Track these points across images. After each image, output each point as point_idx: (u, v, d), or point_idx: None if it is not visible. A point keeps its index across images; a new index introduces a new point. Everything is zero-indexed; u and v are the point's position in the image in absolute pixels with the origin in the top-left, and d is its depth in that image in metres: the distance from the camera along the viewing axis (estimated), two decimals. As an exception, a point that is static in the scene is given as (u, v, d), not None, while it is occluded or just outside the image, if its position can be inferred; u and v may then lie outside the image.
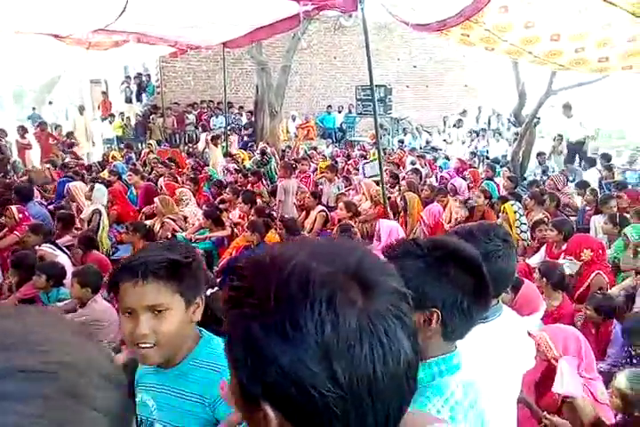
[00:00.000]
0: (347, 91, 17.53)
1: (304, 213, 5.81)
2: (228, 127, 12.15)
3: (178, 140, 14.23)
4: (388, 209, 5.62)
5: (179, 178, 7.37)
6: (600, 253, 3.88)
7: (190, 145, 12.90)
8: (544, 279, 3.27)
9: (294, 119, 15.79)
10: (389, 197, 6.55)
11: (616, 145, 15.05)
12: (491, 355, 1.31)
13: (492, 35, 4.87)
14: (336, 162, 9.38)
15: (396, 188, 7.28)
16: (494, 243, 1.37)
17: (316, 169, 8.65)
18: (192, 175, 7.42)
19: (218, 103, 14.28)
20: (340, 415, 0.51)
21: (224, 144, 10.36)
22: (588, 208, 6.10)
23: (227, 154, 9.33)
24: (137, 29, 6.72)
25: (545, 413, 2.41)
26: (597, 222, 5.37)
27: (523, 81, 10.48)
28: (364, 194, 6.43)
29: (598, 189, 7.31)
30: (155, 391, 1.28)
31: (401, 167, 9.42)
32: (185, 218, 5.32)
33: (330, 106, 16.72)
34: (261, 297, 0.54)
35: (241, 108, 15.05)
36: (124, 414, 0.43)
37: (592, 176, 8.08)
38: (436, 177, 8.97)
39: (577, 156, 10.53)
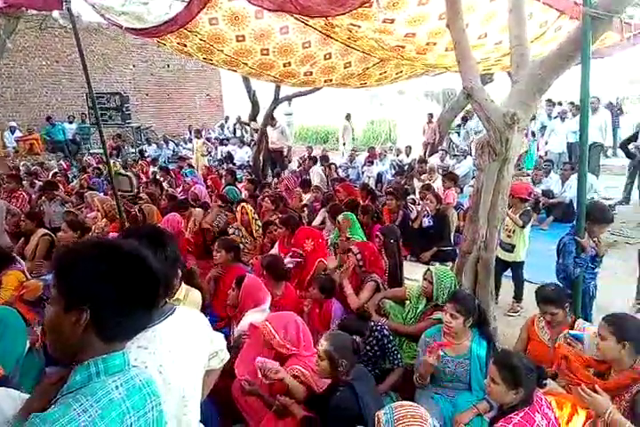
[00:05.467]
0: (77, 98, 15.99)
1: (22, 239, 5.02)
2: None
3: None
4: (127, 224, 5.31)
5: None
6: (320, 242, 4.39)
7: None
8: (266, 272, 3.52)
9: (13, 131, 13.63)
10: (129, 211, 6.20)
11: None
12: (167, 354, 1.31)
13: (209, 45, 4.99)
14: (67, 177, 8.44)
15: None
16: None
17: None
18: None
19: None
20: None
21: None
22: (315, 203, 6.89)
23: None
24: None
25: (278, 396, 2.59)
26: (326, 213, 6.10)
27: (254, 90, 11.22)
28: (98, 210, 5.92)
29: (324, 185, 8.33)
30: None
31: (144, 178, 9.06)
32: None
33: (56, 116, 14.97)
34: None
35: None
36: None
37: (318, 174, 9.15)
38: (182, 186, 8.90)
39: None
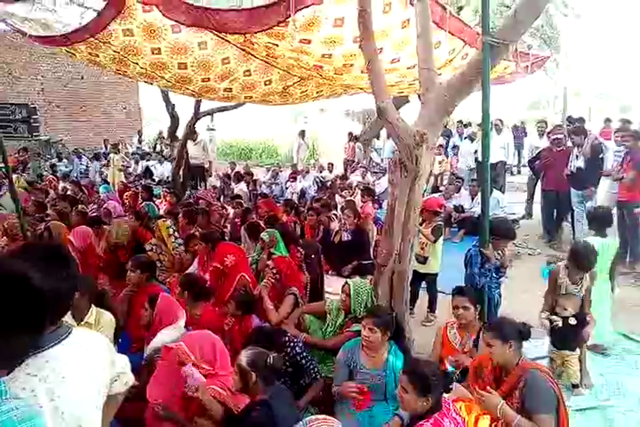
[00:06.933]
0: (-25, 109, 14.77)
1: None
2: None
3: None
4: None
5: None
6: (241, 258, 4.33)
7: None
8: (185, 292, 3.40)
9: None
10: (35, 230, 5.78)
11: (268, 163, 17.56)
12: (60, 380, 1.22)
13: (123, 57, 4.82)
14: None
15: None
16: (29, 264, 1.28)
17: None
18: None
19: None
20: None
21: None
22: (237, 219, 6.81)
23: None
24: None
25: (196, 418, 2.50)
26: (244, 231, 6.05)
27: (173, 104, 10.95)
28: (-1, 229, 5.46)
29: (247, 201, 8.27)
30: None
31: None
32: None
33: (-47, 126, 13.70)
34: None
35: None
36: None
37: (242, 189, 9.09)
38: (97, 202, 8.44)
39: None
